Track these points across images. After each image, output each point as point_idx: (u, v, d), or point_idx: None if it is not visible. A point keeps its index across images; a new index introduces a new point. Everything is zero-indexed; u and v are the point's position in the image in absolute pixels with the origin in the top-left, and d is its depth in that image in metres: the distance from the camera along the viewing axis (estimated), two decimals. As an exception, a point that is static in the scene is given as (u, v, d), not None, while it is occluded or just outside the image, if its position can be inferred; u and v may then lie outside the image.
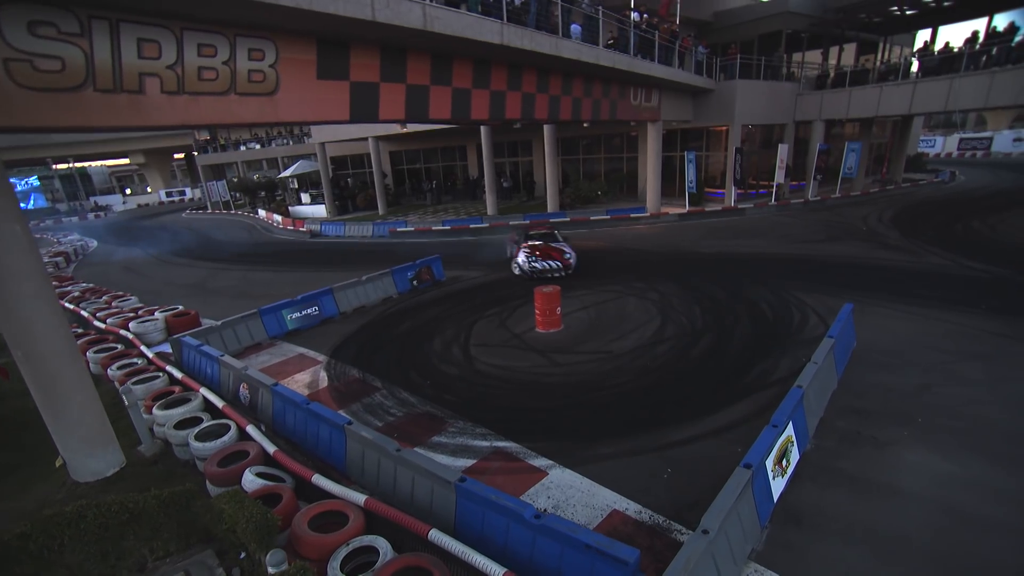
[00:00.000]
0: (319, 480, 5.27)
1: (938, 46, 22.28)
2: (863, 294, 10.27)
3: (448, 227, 21.12)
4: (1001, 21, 41.39)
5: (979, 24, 22.85)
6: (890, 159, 30.56)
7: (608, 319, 10.03)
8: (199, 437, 6.32)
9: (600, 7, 13.95)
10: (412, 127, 25.31)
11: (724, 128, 22.74)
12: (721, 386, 7.21)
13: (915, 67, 21.85)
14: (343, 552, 4.43)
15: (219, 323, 9.84)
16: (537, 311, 9.70)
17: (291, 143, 37.96)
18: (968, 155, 42.49)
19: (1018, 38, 19.13)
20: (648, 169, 21.55)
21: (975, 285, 10.55)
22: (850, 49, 26.98)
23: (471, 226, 20.76)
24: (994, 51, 19.51)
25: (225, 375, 7.91)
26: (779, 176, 22.49)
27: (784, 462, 5.18)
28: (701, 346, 8.49)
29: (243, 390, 7.48)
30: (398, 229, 21.34)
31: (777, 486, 5.00)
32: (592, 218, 20.69)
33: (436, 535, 4.36)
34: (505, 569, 3.95)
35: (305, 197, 30.77)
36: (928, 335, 8.26)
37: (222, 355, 8.06)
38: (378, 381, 8.23)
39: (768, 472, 4.85)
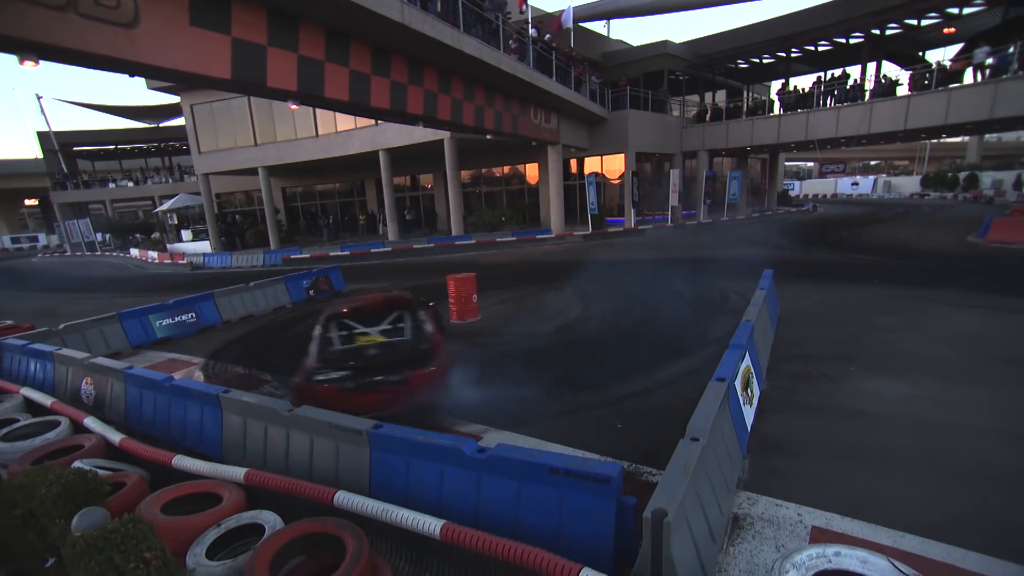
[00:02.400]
0: (182, 461, 3.89)
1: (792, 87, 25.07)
2: (776, 279, 10.61)
3: (347, 252, 19.73)
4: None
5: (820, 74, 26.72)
6: (765, 190, 33.76)
7: (527, 309, 9.85)
8: (7, 438, 4.62)
9: (501, 15, 13.95)
10: (309, 156, 23.95)
11: (620, 155, 23.71)
12: (662, 346, 7.08)
13: (777, 106, 24.40)
14: (212, 535, 3.12)
15: (61, 327, 7.87)
16: (451, 299, 8.96)
17: (170, 181, 34.63)
18: (821, 196, 49.09)
19: (850, 83, 22.07)
20: (551, 191, 21.74)
21: (862, 267, 12.06)
22: (722, 94, 29.75)
23: (372, 250, 19.53)
24: (835, 92, 22.29)
25: (62, 373, 6.12)
26: (674, 199, 23.64)
27: (749, 391, 4.69)
28: (631, 320, 8.55)
29: (86, 386, 5.77)
30: (292, 256, 19.57)
31: (748, 413, 4.47)
32: (499, 239, 20.32)
33: (344, 497, 3.21)
34: (443, 521, 2.91)
35: (186, 234, 27.82)
36: (842, 302, 8.91)
37: (58, 349, 6.27)
38: (268, 375, 6.85)
39: (738, 394, 4.29)
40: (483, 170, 27.89)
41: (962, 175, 40.88)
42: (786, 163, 52.57)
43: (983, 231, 15.05)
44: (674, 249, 16.99)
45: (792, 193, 45.90)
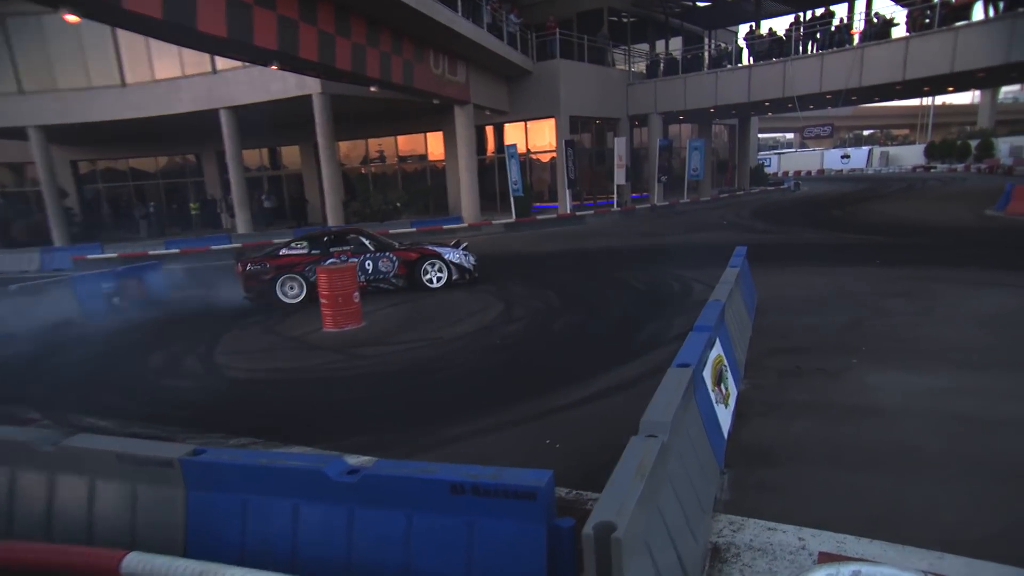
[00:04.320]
0: None
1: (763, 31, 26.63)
2: (753, 264, 11.14)
3: (176, 250, 18.75)
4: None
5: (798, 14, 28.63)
6: (734, 166, 35.48)
7: (430, 311, 10.00)
8: None
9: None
10: (112, 114, 22.46)
11: (549, 121, 24.13)
12: (607, 348, 7.26)
13: (746, 54, 25.82)
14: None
15: None
16: (323, 299, 8.78)
17: None
18: (804, 172, 52.39)
19: (835, 23, 23.76)
20: (461, 168, 21.73)
21: (860, 249, 12.92)
22: (677, 42, 31.07)
23: (213, 247, 18.63)
24: (817, 36, 23.89)
25: None
26: (619, 176, 24.25)
27: (723, 388, 4.70)
28: (567, 320, 8.78)
29: None
30: (88, 256, 18.31)
31: (723, 416, 4.45)
32: (393, 232, 19.97)
33: (138, 561, 2.84)
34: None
35: None
36: (836, 287, 9.44)
37: None
38: (36, 413, 6.30)
39: (708, 388, 4.27)
40: (371, 141, 27.54)
41: (973, 143, 44.86)
42: (760, 134, 55.89)
43: (1003, 202, 16.50)
44: (617, 238, 17.46)
45: (769, 169, 48.79)
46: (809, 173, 52.71)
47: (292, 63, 12.99)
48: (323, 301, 8.79)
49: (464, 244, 12.06)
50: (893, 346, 6.44)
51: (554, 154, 24.51)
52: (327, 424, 5.68)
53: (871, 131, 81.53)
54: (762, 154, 54.40)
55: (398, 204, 24.25)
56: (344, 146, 27.49)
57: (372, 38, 14.79)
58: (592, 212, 23.37)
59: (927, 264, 10.46)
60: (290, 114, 22.13)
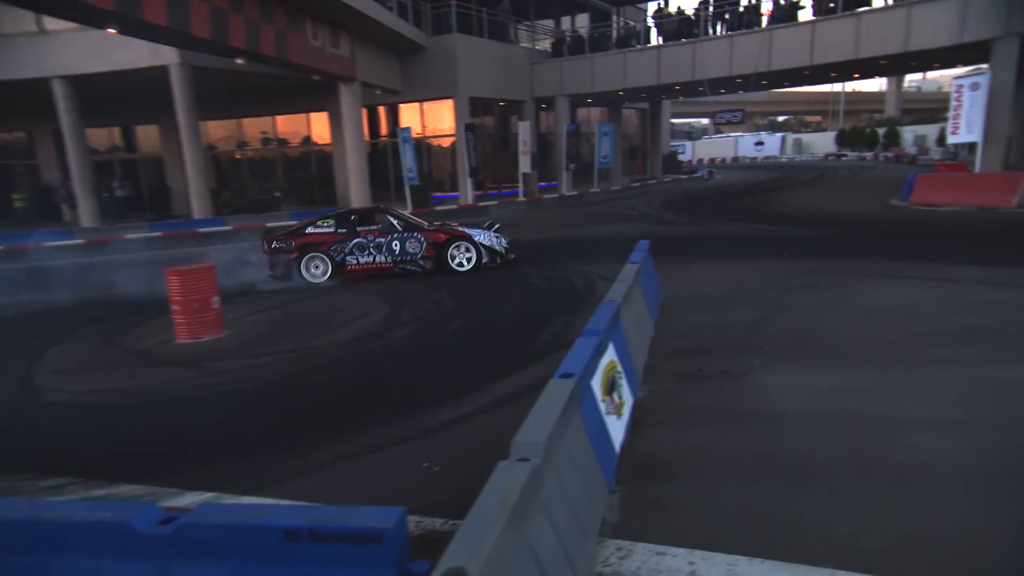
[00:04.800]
0: None
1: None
2: (660, 259, 11.43)
3: None
4: None
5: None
6: (646, 153, 36.39)
7: (306, 316, 9.91)
8: None
9: None
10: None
11: (447, 102, 23.92)
12: (501, 354, 7.27)
13: (654, 34, 26.49)
14: None
15: None
16: (175, 305, 8.32)
17: None
18: (719, 160, 54.61)
19: (743, 3, 24.68)
20: (348, 153, 21.20)
21: (769, 241, 13.63)
22: (583, 19, 31.59)
23: (46, 244, 17.33)
24: (727, 16, 24.78)
25: None
26: (525, 164, 24.38)
27: (616, 397, 4.67)
28: (460, 323, 8.82)
29: None
30: None
31: (615, 428, 4.41)
32: (269, 225, 19.31)
33: None
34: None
35: None
36: (745, 281, 9.88)
37: None
38: None
39: (597, 398, 4.22)
40: (246, 122, 26.53)
41: (881, 131, 48.01)
42: (673, 119, 57.70)
43: (907, 192, 17.79)
44: (520, 230, 17.53)
45: (683, 157, 50.52)
46: (724, 160, 54.90)
47: (135, 27, 12.17)
48: (175, 307, 8.31)
49: (496, 225, 12.48)
50: (795, 344, 6.68)
51: (454, 139, 24.35)
52: (167, 455, 5.33)
53: (785, 117, 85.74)
54: (676, 142, 56.19)
55: (277, 194, 23.51)
56: (214, 127, 26.41)
57: (235, 3, 14.14)
58: (496, 202, 23.44)
59: (833, 256, 11.09)
60: (146, 88, 20.92)
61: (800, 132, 65.45)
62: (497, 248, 11.80)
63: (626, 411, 4.88)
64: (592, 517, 3.56)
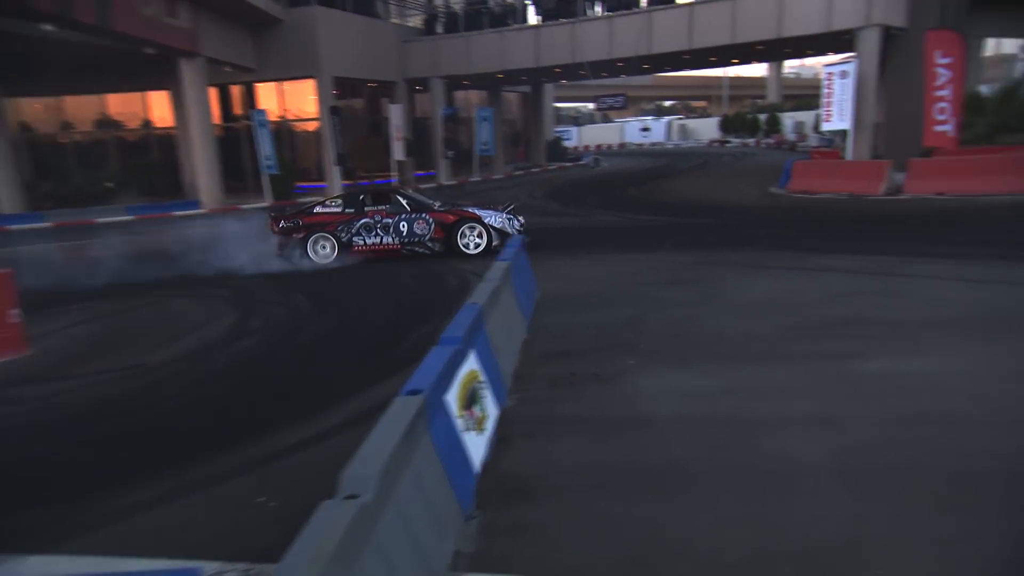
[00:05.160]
0: None
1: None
2: (538, 253, 11.59)
3: None
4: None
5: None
6: (528, 140, 36.70)
7: (135, 328, 9.44)
8: None
9: None
10: None
11: (309, 82, 23.21)
12: (359, 365, 7.14)
13: (532, 12, 26.67)
14: None
15: None
16: None
17: None
18: (605, 146, 55.92)
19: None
20: (194, 138, 20.20)
21: (653, 231, 14.09)
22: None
23: None
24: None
25: None
26: (398, 151, 24.03)
27: (478, 410, 4.54)
28: (315, 330, 8.67)
29: None
30: None
31: (475, 446, 4.28)
32: (99, 220, 18.18)
33: None
34: None
35: None
36: (627, 273, 10.21)
37: None
38: None
39: (452, 414, 4.07)
40: (68, 101, 24.79)
41: (763, 117, 50.47)
42: (558, 104, 58.52)
43: (784, 180, 18.71)
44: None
45: (568, 143, 51.33)
46: (610, 147, 56.23)
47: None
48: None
49: (511, 206, 12.67)
50: (671, 342, 6.87)
51: (319, 123, 23.65)
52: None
53: (672, 102, 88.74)
54: (561, 128, 57.05)
55: (110, 184, 22.12)
56: (28, 106, 24.49)
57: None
58: (367, 193, 22.86)
59: (713, 247, 11.57)
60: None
61: (686, 117, 67.89)
62: (509, 230, 11.85)
63: (489, 425, 4.77)
64: (442, 552, 3.41)
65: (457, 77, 27.57)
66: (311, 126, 24.37)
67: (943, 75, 16.70)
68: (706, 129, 56.76)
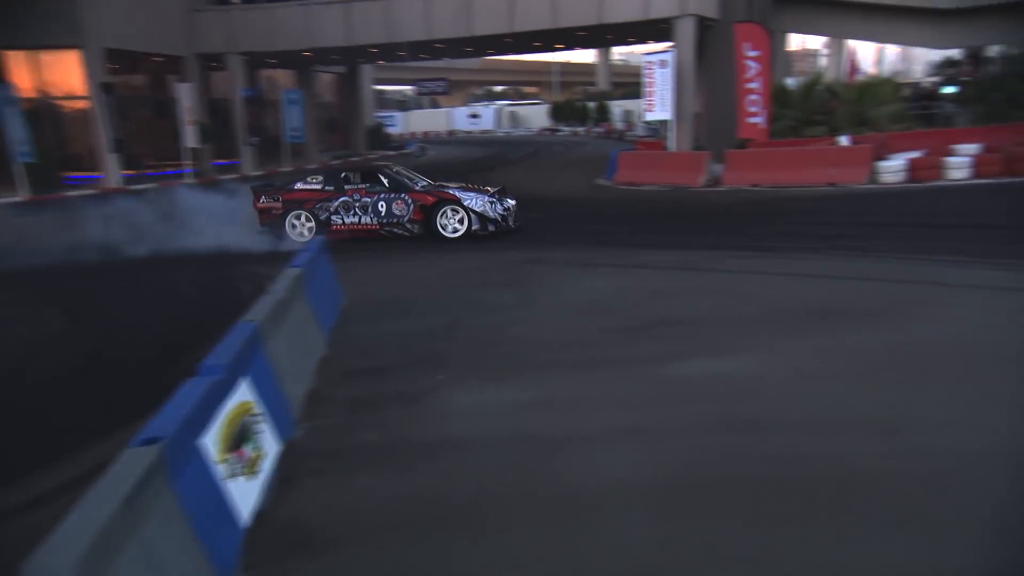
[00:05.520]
0: None
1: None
2: (349, 255, 11.32)
3: None
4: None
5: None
6: (346, 125, 36.00)
7: None
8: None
9: None
10: None
11: (73, 53, 21.34)
12: (111, 399, 6.51)
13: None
14: None
15: None
16: None
17: None
18: (432, 134, 55.97)
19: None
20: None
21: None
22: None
23: None
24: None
25: None
26: (190, 137, 22.81)
27: (249, 450, 4.15)
28: (66, 353, 8.01)
29: None
30: None
31: (243, 494, 3.89)
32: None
33: None
34: None
35: None
36: (445, 275, 10.30)
37: None
38: None
39: (210, 460, 3.66)
40: None
41: (592, 105, 52.09)
42: (380, 86, 57.82)
43: (611, 171, 19.39)
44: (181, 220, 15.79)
45: (393, 130, 50.92)
46: (438, 135, 56.33)
47: None
48: None
49: (499, 188, 12.88)
50: (487, 352, 6.84)
51: (90, 103, 21.87)
52: None
53: (504, 87, 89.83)
54: (384, 112, 56.45)
55: None
56: None
57: None
58: (155, 185, 21.69)
59: (537, 244, 11.71)
60: None
61: (517, 104, 68.75)
62: (491, 215, 12.02)
63: (266, 465, 4.40)
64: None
65: (259, 54, 26.44)
66: (81, 106, 22.45)
67: (752, 68, 17.89)
68: (537, 116, 57.94)
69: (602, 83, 65.83)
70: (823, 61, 45.23)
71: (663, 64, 19.56)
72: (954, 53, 26.58)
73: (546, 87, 78.28)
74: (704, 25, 21.95)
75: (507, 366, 6.43)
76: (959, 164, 15.98)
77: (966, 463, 4.14)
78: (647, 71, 20.07)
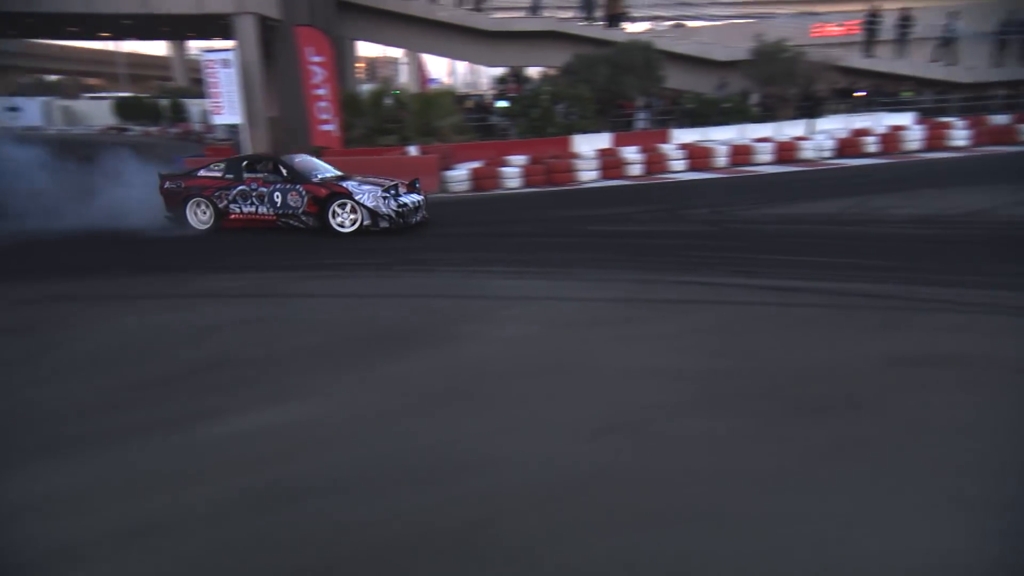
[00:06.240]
0: None
1: None
2: None
3: None
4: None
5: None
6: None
7: None
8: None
9: None
10: None
11: None
12: None
13: None
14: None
15: None
16: None
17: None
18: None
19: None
20: None
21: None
22: None
23: None
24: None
25: None
26: None
27: None
28: None
29: None
30: None
31: None
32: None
33: None
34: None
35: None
36: None
37: None
38: None
39: None
40: None
41: (165, 102, 48.24)
42: None
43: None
44: None
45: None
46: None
47: None
48: None
49: (404, 183, 12.44)
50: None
51: None
52: None
53: (59, 77, 79.58)
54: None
55: None
56: None
57: None
58: None
59: (64, 276, 10.17)
60: None
61: (73, 98, 61.29)
62: (383, 210, 11.53)
63: None
64: None
65: None
66: None
67: (318, 73, 17.47)
68: (100, 113, 51.99)
69: (181, 78, 61.33)
70: (403, 69, 46.41)
71: (226, 64, 18.32)
72: (506, 70, 28.89)
73: (112, 79, 70.97)
74: (268, 25, 21.20)
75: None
76: (512, 174, 17.28)
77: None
78: (208, 70, 18.61)
